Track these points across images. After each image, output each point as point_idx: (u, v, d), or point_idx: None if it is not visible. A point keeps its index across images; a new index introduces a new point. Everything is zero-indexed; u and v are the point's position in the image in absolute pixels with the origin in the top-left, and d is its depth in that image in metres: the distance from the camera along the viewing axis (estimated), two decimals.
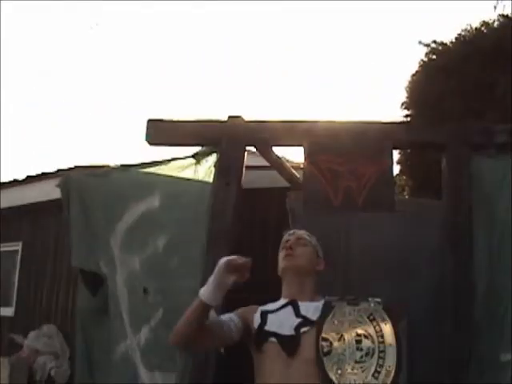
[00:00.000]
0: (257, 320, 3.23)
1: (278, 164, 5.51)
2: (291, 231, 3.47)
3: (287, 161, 5.85)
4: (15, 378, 6.80)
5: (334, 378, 2.96)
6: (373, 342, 3.03)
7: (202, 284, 4.32)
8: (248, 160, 4.74)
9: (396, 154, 8.93)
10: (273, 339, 3.11)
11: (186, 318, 3.07)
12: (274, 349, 3.09)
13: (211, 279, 3.00)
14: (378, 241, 4.98)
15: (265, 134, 4.75)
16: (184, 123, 4.79)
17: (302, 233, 3.45)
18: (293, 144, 4.78)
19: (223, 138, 4.66)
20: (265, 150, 5.13)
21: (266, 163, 5.40)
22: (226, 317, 3.22)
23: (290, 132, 4.66)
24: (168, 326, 4.61)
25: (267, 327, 3.17)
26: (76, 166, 5.74)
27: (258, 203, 5.98)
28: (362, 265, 4.98)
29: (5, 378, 6.75)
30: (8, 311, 8.67)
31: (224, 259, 2.96)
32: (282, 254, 3.37)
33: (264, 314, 3.24)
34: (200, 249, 4.53)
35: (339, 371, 2.96)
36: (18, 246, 8.79)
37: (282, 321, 3.16)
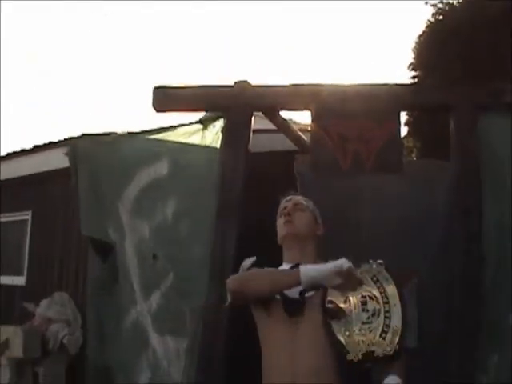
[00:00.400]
0: None
1: (285, 128, 5.49)
2: (288, 197, 3.46)
3: (294, 123, 5.82)
4: (28, 346, 6.84)
5: (342, 340, 2.97)
6: (378, 302, 3.04)
7: (212, 251, 4.39)
8: (255, 123, 4.72)
9: (404, 116, 8.89)
10: (278, 297, 3.10)
11: (267, 281, 3.09)
12: (278, 311, 3.09)
13: (323, 268, 2.95)
14: (388, 203, 4.98)
15: (272, 99, 4.72)
16: (190, 89, 4.76)
17: (299, 198, 3.44)
18: (300, 108, 4.75)
19: (230, 104, 4.64)
20: (272, 115, 5.10)
21: (273, 126, 5.38)
22: None
23: (297, 96, 4.63)
24: (178, 291, 4.67)
25: None
26: (83, 134, 5.71)
27: (266, 167, 5.95)
28: (372, 227, 4.97)
29: (18, 346, 6.79)
30: (20, 280, 8.72)
31: (348, 264, 2.90)
32: (280, 221, 3.37)
33: None
34: (209, 215, 4.53)
35: (347, 333, 2.97)
36: (27, 216, 8.81)
37: None
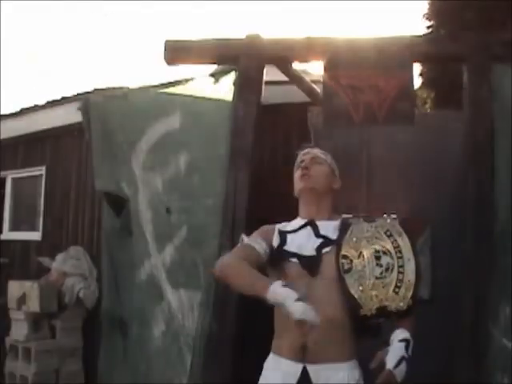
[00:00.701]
0: (276, 240, 3.20)
1: (298, 79, 5.46)
2: (305, 150, 3.36)
3: (307, 74, 5.78)
4: (45, 300, 6.90)
5: (356, 295, 2.96)
6: (391, 257, 3.00)
7: (225, 202, 4.41)
8: (267, 75, 4.70)
9: (418, 66, 8.84)
10: (294, 259, 3.08)
11: (241, 282, 3.02)
12: (294, 269, 3.06)
13: (287, 301, 2.76)
14: (400, 153, 4.98)
15: (284, 51, 4.70)
16: (202, 42, 4.74)
17: (317, 151, 3.35)
18: (312, 60, 4.73)
19: (242, 56, 4.61)
20: (284, 67, 5.08)
21: (285, 78, 5.35)
22: (257, 246, 3.16)
23: (310, 48, 4.59)
24: (192, 244, 4.70)
25: (287, 247, 3.14)
26: (96, 89, 5.71)
27: (279, 119, 5.93)
28: (384, 177, 4.99)
29: (35, 301, 6.86)
30: (35, 235, 8.76)
31: (311, 314, 2.82)
32: (297, 175, 3.28)
33: (283, 234, 3.21)
34: (221, 167, 4.53)
35: (360, 287, 2.95)
36: (41, 171, 8.82)
37: (302, 242, 3.12)
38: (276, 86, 5.42)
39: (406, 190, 4.92)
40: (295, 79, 5.43)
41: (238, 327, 4.31)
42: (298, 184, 3.30)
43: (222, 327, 4.30)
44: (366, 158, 5.07)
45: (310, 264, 3.05)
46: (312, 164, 3.27)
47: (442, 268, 4.80)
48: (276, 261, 3.14)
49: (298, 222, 3.25)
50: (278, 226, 3.28)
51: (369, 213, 3.22)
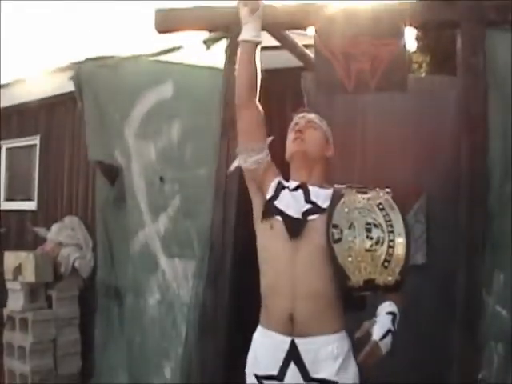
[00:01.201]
0: (271, 189, 3.16)
1: (291, 46, 5.41)
2: (301, 114, 3.33)
3: (300, 36, 5.69)
4: (41, 271, 6.90)
5: (344, 266, 2.93)
6: (382, 231, 2.95)
7: (216, 172, 4.39)
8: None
9: (413, 31, 8.77)
10: (278, 218, 3.05)
11: (245, 74, 3.18)
12: (279, 229, 3.03)
13: (246, 20, 3.17)
14: (394, 121, 4.94)
15: (277, 18, 4.63)
16: (193, 10, 4.68)
17: (313, 116, 3.30)
18: (306, 27, 4.66)
19: (233, 23, 4.55)
20: (277, 33, 5.02)
21: (278, 43, 5.28)
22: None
23: (302, 14, 4.52)
24: (186, 214, 4.69)
25: (277, 202, 3.10)
26: (87, 58, 5.65)
27: (273, 85, 5.88)
28: (378, 146, 4.96)
29: (31, 271, 6.86)
30: (31, 205, 8.76)
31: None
32: (290, 138, 3.23)
33: (279, 187, 3.16)
34: (214, 136, 4.50)
35: (349, 259, 2.92)
36: (35, 140, 8.80)
37: (290, 202, 3.08)
38: (268, 51, 5.36)
39: (401, 156, 4.89)
40: (288, 45, 5.37)
41: (233, 298, 4.31)
42: (290, 147, 3.24)
43: (215, 298, 4.31)
44: (359, 125, 5.04)
45: (292, 226, 3.01)
46: (306, 128, 3.22)
47: (437, 235, 4.80)
48: (264, 215, 3.12)
49: (291, 183, 3.20)
50: (280, 178, 3.24)
51: (362, 184, 3.17)
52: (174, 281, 4.72)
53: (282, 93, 6.18)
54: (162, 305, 4.81)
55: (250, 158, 3.17)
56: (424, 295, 4.53)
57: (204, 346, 4.33)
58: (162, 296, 4.79)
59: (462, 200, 4.00)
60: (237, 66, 3.22)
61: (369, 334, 2.88)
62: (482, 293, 3.85)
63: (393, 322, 2.93)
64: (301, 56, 5.55)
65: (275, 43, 5.25)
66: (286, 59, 5.78)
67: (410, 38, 9.56)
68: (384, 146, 4.93)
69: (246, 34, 3.18)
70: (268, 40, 4.99)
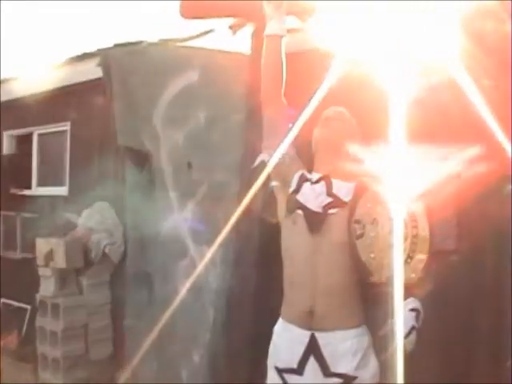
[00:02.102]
0: (294, 183, 3.15)
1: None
2: (331, 107, 3.30)
3: None
4: (71, 256, 6.94)
5: (366, 262, 2.89)
6: (406, 226, 2.90)
7: (243, 159, 4.38)
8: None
9: None
10: (300, 212, 3.04)
11: (270, 68, 3.23)
12: (300, 222, 3.03)
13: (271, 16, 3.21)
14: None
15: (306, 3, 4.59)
16: None
17: (342, 109, 3.28)
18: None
19: (258, 9, 4.52)
20: (307, 18, 4.98)
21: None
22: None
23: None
24: (213, 200, 4.69)
25: (299, 196, 3.09)
26: (115, 44, 5.66)
27: (300, 68, 5.83)
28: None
29: (61, 257, 6.90)
30: (62, 190, 8.80)
31: None
32: (317, 127, 3.23)
33: (301, 180, 3.15)
34: (240, 123, 4.49)
35: (372, 255, 2.89)
36: (66, 126, 8.82)
37: (311, 195, 3.06)
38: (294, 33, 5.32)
39: None
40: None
41: (258, 284, 4.31)
42: (315, 136, 3.23)
43: (241, 285, 4.31)
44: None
45: (313, 220, 3.00)
46: (333, 119, 3.21)
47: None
48: (287, 208, 3.12)
49: (314, 175, 3.17)
50: (303, 171, 3.21)
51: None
52: (203, 267, 4.73)
53: (309, 76, 6.12)
54: (190, 291, 4.83)
55: (274, 153, 3.13)
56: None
57: (231, 333, 4.34)
58: (191, 282, 4.80)
59: None
60: (262, 61, 3.23)
61: (392, 333, 2.85)
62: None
63: (416, 318, 2.89)
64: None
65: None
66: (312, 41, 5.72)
67: None
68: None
69: (271, 28, 3.21)
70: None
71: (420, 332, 2.88)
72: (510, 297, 3.80)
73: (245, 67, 4.52)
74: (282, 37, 3.21)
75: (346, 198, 3.03)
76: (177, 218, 4.93)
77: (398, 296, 2.76)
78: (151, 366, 5.12)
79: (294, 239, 3.07)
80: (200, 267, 4.68)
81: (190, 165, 4.85)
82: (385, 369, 2.93)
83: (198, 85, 4.88)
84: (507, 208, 3.82)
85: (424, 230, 2.89)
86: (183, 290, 4.88)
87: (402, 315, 2.86)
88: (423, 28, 3.12)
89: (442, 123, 4.17)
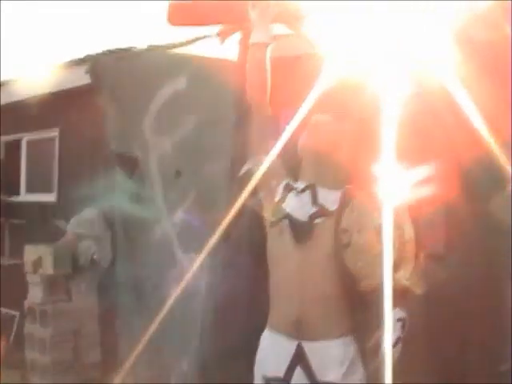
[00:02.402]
0: (279, 192, 3.12)
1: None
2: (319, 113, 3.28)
3: None
4: (60, 263, 6.94)
5: (353, 271, 2.89)
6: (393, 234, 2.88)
7: (232, 165, 4.38)
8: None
9: None
10: (285, 221, 3.01)
11: (256, 75, 3.22)
12: (286, 231, 3.00)
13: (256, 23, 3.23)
14: None
15: (292, 9, 4.58)
16: (206, 2, 4.65)
17: (330, 115, 3.26)
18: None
19: (246, 16, 4.53)
20: (295, 25, 4.98)
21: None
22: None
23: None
24: (202, 207, 4.70)
25: (284, 205, 3.05)
26: (104, 51, 5.68)
27: (287, 72, 5.83)
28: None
29: (50, 264, 6.90)
30: (51, 197, 8.79)
31: None
32: (304, 132, 3.15)
33: (287, 189, 3.11)
34: (228, 130, 4.50)
35: (359, 263, 2.88)
36: (55, 132, 8.82)
37: (297, 204, 3.02)
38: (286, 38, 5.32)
39: None
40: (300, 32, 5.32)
41: (247, 290, 4.32)
42: (301, 144, 3.15)
43: (229, 290, 4.31)
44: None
45: (299, 229, 2.98)
46: (321, 124, 3.18)
47: None
48: (272, 219, 3.09)
49: (299, 184, 3.10)
50: (288, 180, 3.15)
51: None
52: (191, 273, 4.73)
53: (296, 80, 6.12)
54: (180, 297, 4.83)
55: (260, 161, 3.11)
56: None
57: (219, 339, 4.35)
58: (180, 289, 4.81)
59: None
60: (247, 69, 3.25)
61: (379, 343, 2.85)
62: None
63: (402, 328, 2.89)
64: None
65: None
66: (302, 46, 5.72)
67: None
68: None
69: (256, 36, 3.23)
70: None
71: (412, 335, 2.89)
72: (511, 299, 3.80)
73: (233, 74, 4.53)
74: (267, 45, 3.21)
75: (332, 207, 2.99)
76: (165, 225, 4.93)
77: (387, 304, 2.77)
78: (142, 372, 5.12)
79: (280, 248, 3.04)
80: (189, 274, 4.70)
81: (178, 172, 4.85)
82: (372, 378, 2.94)
83: (187, 92, 4.89)
84: (499, 208, 3.83)
85: (411, 239, 2.89)
86: (173, 296, 4.89)
87: (391, 323, 2.87)
88: (418, 29, 3.13)
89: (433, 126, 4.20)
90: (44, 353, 6.85)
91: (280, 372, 2.96)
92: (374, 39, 3.14)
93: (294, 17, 4.58)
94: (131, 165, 5.27)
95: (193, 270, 4.66)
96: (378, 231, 2.86)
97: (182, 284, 4.78)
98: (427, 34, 3.16)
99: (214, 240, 4.49)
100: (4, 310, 8.51)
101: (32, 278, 7.10)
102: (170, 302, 4.89)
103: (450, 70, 3.16)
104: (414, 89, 3.91)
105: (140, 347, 5.13)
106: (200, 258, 4.61)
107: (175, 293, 4.83)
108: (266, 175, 3.10)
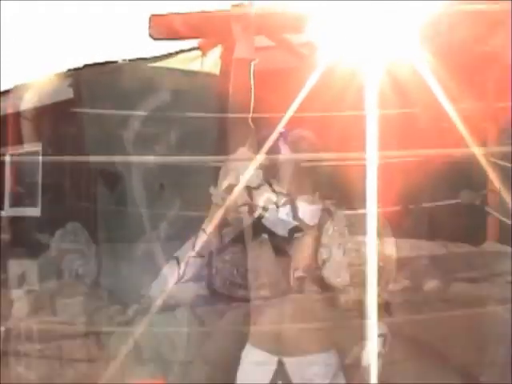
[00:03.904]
0: (259, 206, 3.06)
1: (289, 48, 5.38)
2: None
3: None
4: (44, 278, 6.91)
5: (332, 286, 2.90)
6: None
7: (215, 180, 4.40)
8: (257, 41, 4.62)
9: None
10: (265, 236, 3.02)
11: (239, 90, 3.18)
12: (266, 246, 3.02)
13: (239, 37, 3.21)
14: None
15: (274, 23, 4.60)
16: (187, 15, 4.67)
17: (308, 131, 3.27)
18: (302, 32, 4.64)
19: (228, 30, 4.54)
20: (275, 37, 5.01)
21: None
22: None
23: (302, 20, 4.50)
24: (185, 220, 4.71)
25: (264, 220, 3.03)
26: (86, 65, 5.69)
27: (272, 84, 5.86)
28: None
29: (34, 278, 6.88)
30: (35, 211, 8.78)
31: None
32: (281, 143, 3.16)
33: (267, 203, 3.06)
34: (211, 143, 4.52)
35: (338, 279, 2.90)
36: (38, 147, 8.81)
37: (277, 219, 3.01)
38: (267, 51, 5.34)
39: None
40: (287, 48, 5.34)
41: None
42: (283, 156, 3.15)
43: (213, 298, 4.32)
44: None
45: (278, 244, 2.99)
46: (297, 138, 3.17)
47: None
48: (254, 233, 3.08)
49: (280, 198, 3.08)
50: (269, 194, 3.09)
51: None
52: (175, 285, 4.74)
53: (281, 92, 6.14)
54: (164, 309, 4.84)
55: (241, 176, 3.10)
56: None
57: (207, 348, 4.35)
58: (164, 301, 4.81)
59: None
60: (231, 83, 3.22)
61: (359, 360, 2.86)
62: None
63: (383, 344, 2.90)
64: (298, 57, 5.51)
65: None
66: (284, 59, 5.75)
67: None
68: None
69: (240, 51, 3.21)
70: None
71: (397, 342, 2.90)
72: None
73: (215, 88, 4.55)
74: (251, 60, 3.18)
75: (312, 222, 3.01)
76: (149, 238, 4.94)
77: (372, 318, 2.79)
78: None
79: (260, 263, 3.05)
80: (172, 285, 4.71)
81: (162, 186, 4.86)
82: None
83: (168, 105, 4.90)
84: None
85: (391, 255, 2.91)
86: (156, 307, 4.90)
87: (375, 337, 2.88)
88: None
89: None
90: (30, 368, 6.81)
91: None
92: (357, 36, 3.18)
93: (277, 28, 4.65)
94: (113, 178, 5.27)
95: (178, 280, 4.70)
96: (358, 247, 2.89)
97: (165, 294, 4.81)
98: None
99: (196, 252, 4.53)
100: None
101: (16, 293, 7.06)
102: (155, 314, 4.92)
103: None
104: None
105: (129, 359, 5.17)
106: (183, 269, 4.66)
107: (160, 305, 4.86)
108: (246, 189, 3.11)
